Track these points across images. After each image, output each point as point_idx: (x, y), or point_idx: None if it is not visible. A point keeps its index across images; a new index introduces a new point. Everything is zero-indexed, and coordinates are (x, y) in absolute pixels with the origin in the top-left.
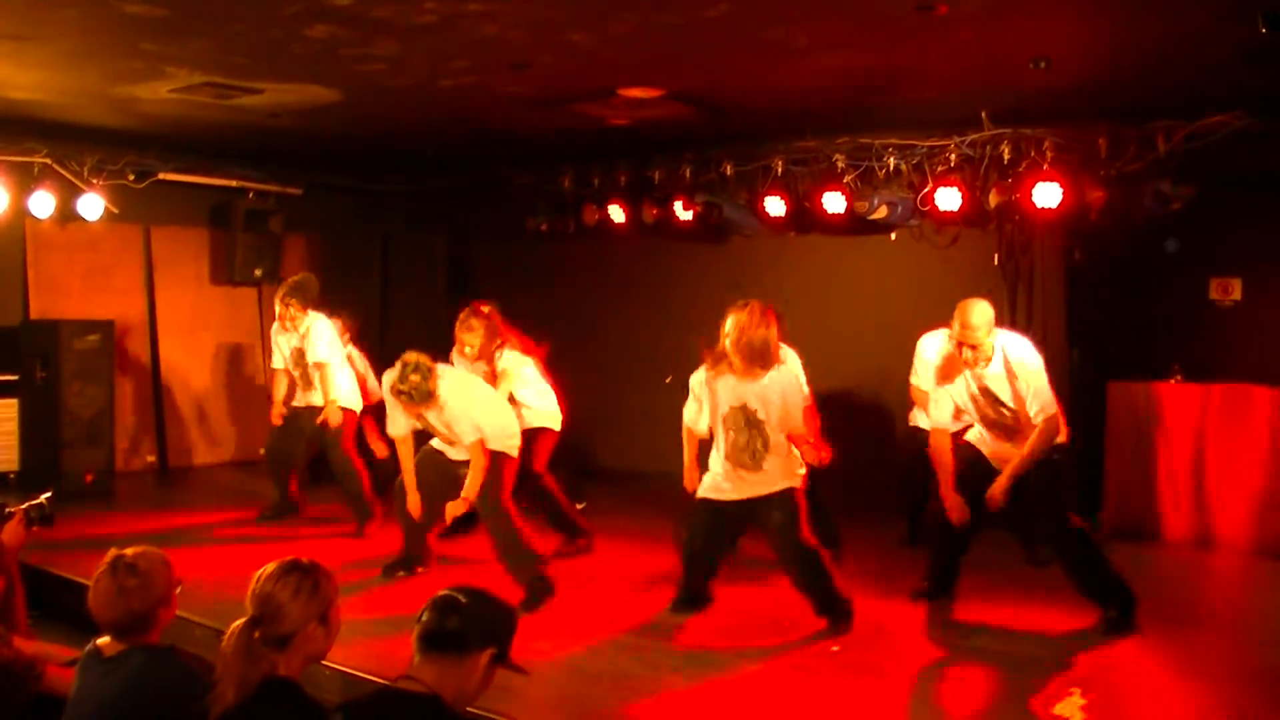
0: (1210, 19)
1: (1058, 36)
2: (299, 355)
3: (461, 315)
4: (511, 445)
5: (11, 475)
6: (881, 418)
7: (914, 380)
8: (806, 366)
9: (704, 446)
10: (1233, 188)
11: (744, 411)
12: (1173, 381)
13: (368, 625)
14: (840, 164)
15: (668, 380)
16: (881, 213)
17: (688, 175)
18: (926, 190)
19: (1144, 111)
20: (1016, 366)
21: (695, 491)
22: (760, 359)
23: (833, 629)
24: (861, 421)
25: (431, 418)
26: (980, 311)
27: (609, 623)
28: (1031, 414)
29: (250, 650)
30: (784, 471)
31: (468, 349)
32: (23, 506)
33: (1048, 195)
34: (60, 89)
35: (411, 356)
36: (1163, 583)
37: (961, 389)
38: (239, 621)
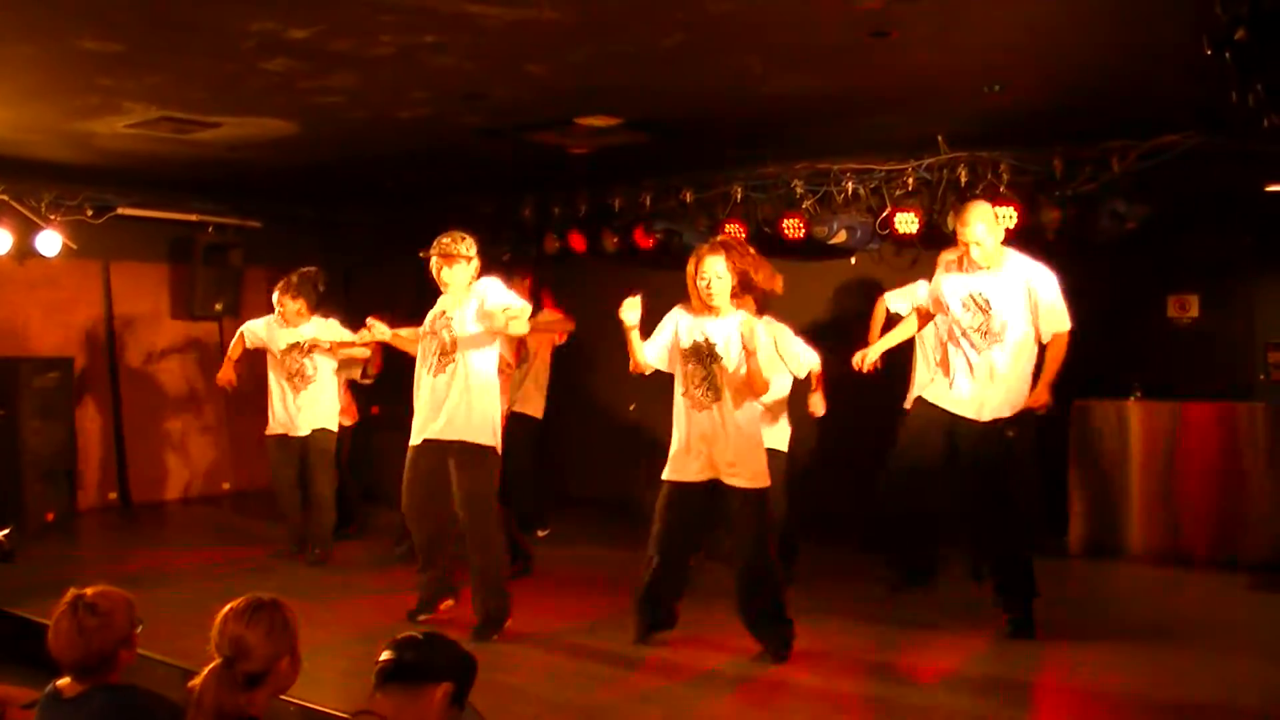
0: (1159, 41)
1: (1011, 60)
2: (295, 350)
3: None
4: (498, 439)
5: None
6: (851, 443)
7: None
8: None
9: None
10: (1187, 205)
11: None
12: (1133, 399)
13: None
14: (799, 189)
15: (631, 408)
16: (841, 237)
17: (648, 203)
18: (885, 214)
19: (1098, 132)
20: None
21: None
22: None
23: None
24: (827, 447)
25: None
26: (976, 211)
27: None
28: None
29: (230, 692)
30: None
31: None
32: None
33: (1004, 217)
34: (16, 125)
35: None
36: (1128, 598)
37: (954, 295)
38: (214, 663)
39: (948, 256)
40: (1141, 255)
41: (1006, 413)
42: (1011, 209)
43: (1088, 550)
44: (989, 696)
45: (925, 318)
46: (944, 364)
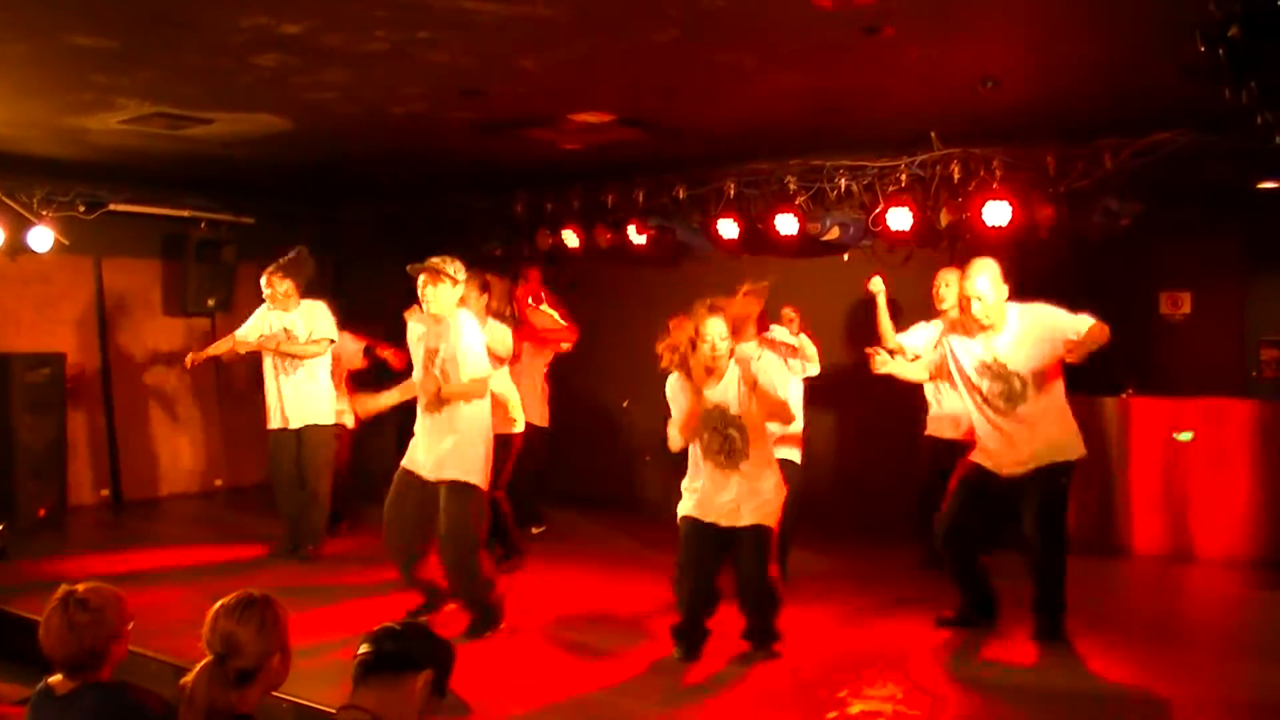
0: (1152, 38)
1: (1004, 57)
2: (286, 336)
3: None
4: (484, 477)
5: None
6: (842, 438)
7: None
8: None
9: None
10: (1179, 203)
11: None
12: (1125, 396)
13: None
14: (792, 186)
15: (624, 405)
16: (834, 234)
17: (640, 199)
18: (878, 211)
19: (1091, 129)
20: (1028, 315)
21: None
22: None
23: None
24: (824, 442)
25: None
26: (982, 264)
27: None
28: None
29: (221, 689)
30: None
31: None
32: None
33: (998, 214)
34: (9, 121)
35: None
36: (1125, 595)
37: (966, 364)
38: (205, 660)
39: (946, 275)
40: (1134, 252)
41: (1060, 456)
42: (1007, 202)
43: (1085, 548)
44: (987, 695)
45: (938, 370)
46: (976, 437)
